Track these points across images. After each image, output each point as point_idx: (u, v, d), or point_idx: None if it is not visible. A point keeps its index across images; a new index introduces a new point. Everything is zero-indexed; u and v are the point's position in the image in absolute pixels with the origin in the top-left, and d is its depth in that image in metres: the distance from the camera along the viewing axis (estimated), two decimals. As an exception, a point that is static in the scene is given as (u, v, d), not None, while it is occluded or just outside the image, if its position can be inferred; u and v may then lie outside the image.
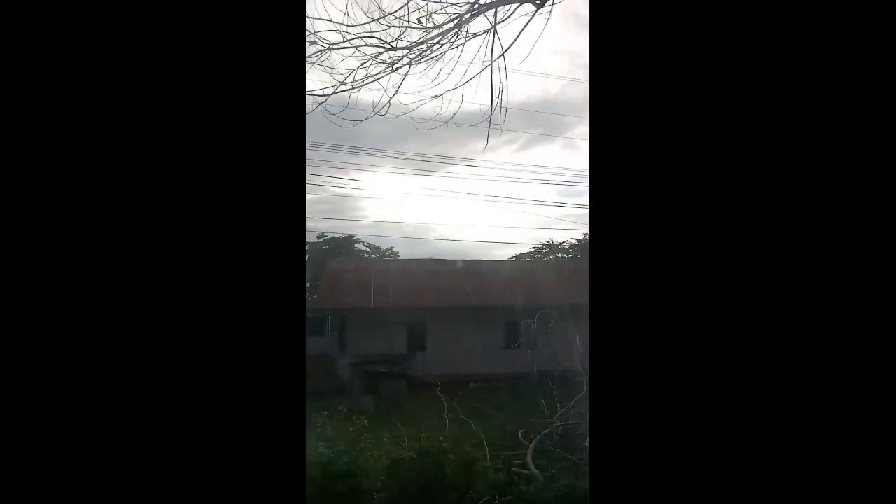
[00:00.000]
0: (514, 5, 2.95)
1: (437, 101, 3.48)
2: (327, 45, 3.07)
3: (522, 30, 3.07)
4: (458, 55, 3.20)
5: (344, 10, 3.00)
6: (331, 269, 15.66)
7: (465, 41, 3.10)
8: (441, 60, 3.22)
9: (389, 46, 3.10)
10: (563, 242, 32.92)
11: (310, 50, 3.05)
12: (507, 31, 3.36)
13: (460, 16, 2.99)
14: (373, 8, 3.01)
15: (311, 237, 30.69)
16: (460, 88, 3.35)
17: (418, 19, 3.05)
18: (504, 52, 3.14)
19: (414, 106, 3.56)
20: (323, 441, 5.33)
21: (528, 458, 6.14)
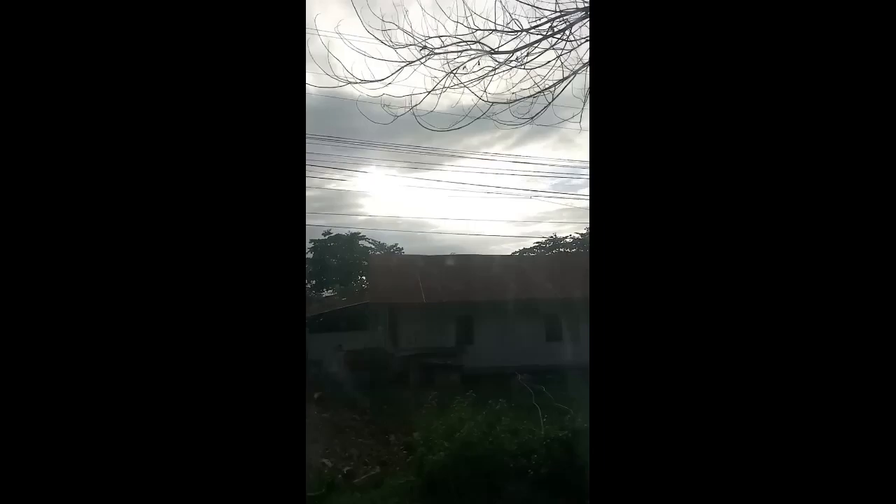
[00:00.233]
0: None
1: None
2: (435, 49, 3.24)
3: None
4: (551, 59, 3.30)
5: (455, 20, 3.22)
6: (375, 266, 16.00)
7: (574, 47, 3.21)
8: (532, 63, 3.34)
9: (491, 50, 3.24)
10: (566, 237, 33.67)
11: (415, 54, 3.28)
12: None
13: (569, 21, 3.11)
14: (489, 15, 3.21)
15: (316, 233, 30.82)
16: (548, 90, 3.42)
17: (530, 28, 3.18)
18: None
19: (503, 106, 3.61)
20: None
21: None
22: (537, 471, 5.49)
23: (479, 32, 3.25)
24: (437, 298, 13.50)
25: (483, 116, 3.62)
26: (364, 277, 33.75)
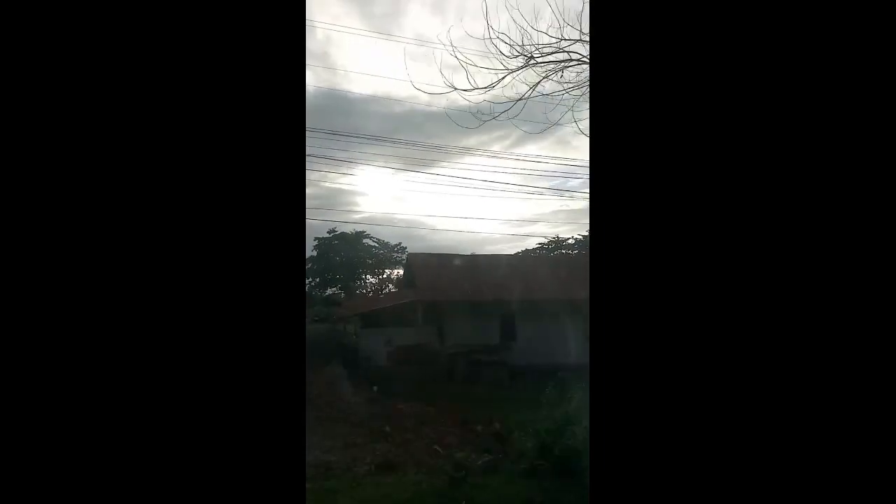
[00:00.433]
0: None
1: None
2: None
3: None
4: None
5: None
6: (417, 265, 16.29)
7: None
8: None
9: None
10: (569, 238, 34.24)
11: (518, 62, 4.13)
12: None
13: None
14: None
15: (321, 232, 30.82)
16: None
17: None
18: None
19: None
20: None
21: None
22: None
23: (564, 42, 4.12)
24: (480, 297, 13.85)
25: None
26: (368, 276, 33.86)
